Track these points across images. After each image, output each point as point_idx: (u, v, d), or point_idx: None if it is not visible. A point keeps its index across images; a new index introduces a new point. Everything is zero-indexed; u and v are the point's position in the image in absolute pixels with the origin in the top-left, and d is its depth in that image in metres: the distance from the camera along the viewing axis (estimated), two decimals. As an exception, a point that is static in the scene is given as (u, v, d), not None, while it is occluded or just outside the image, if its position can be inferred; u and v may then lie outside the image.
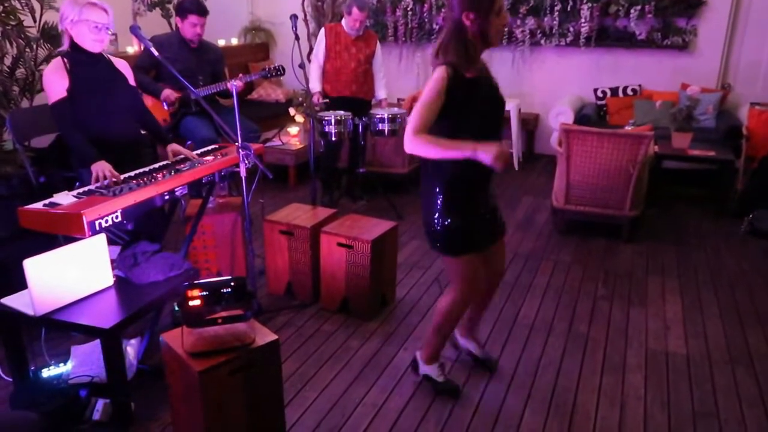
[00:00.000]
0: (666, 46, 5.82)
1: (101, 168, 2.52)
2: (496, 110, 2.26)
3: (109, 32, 2.73)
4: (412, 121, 2.06)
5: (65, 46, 2.71)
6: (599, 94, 6.07)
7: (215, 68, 4.11)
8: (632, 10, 5.71)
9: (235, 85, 3.08)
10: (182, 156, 2.91)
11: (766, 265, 3.85)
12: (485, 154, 1.97)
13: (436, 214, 2.23)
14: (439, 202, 2.22)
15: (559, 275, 3.69)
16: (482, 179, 2.25)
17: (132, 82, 2.96)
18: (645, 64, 6.02)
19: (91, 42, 2.68)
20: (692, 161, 4.76)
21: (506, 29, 2.05)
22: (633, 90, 5.99)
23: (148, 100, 3.93)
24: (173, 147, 2.94)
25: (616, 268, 3.79)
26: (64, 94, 2.66)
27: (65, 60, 2.69)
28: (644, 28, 5.83)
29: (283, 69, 3.93)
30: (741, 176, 4.87)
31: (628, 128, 4.74)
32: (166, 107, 3.96)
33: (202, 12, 3.89)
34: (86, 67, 2.72)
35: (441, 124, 2.08)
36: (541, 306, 3.31)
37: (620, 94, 6.01)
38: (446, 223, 2.22)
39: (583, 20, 5.90)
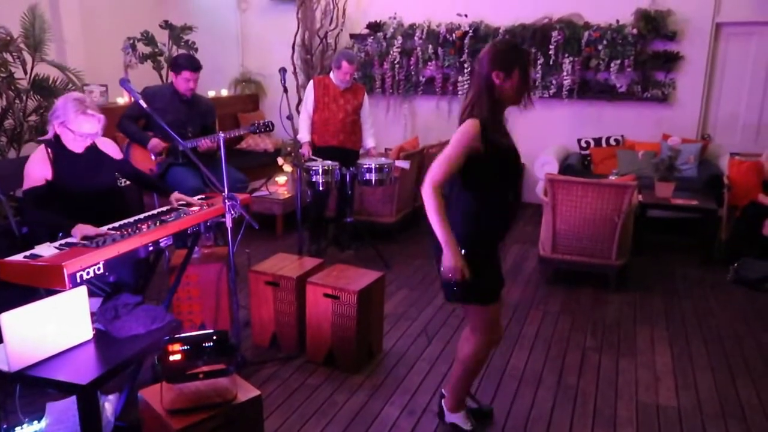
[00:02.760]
0: (646, 99, 5.99)
1: (82, 231, 2.47)
2: (515, 168, 2.31)
3: (98, 137, 2.76)
4: (434, 172, 2.13)
5: (49, 136, 2.73)
6: (583, 144, 6.19)
7: (205, 121, 4.15)
8: (612, 64, 5.90)
9: (221, 138, 3.11)
10: (183, 202, 2.97)
11: (752, 313, 3.86)
12: (449, 258, 2.12)
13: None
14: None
15: (548, 325, 3.66)
16: (500, 225, 2.31)
17: (118, 156, 2.98)
18: (626, 116, 6.17)
19: (74, 146, 2.71)
20: (676, 210, 4.82)
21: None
22: (616, 140, 6.12)
23: (137, 150, 3.95)
24: (176, 195, 3.00)
25: (604, 318, 3.77)
26: (41, 182, 2.67)
27: (49, 150, 2.70)
28: (624, 81, 6.00)
29: (272, 125, 3.97)
30: (724, 225, 4.94)
31: (612, 178, 4.82)
32: (153, 157, 3.97)
33: (196, 68, 3.97)
34: (70, 159, 2.73)
35: (461, 173, 2.16)
36: (530, 357, 3.27)
37: (603, 144, 6.13)
38: (470, 268, 2.21)
39: (565, 73, 6.08)
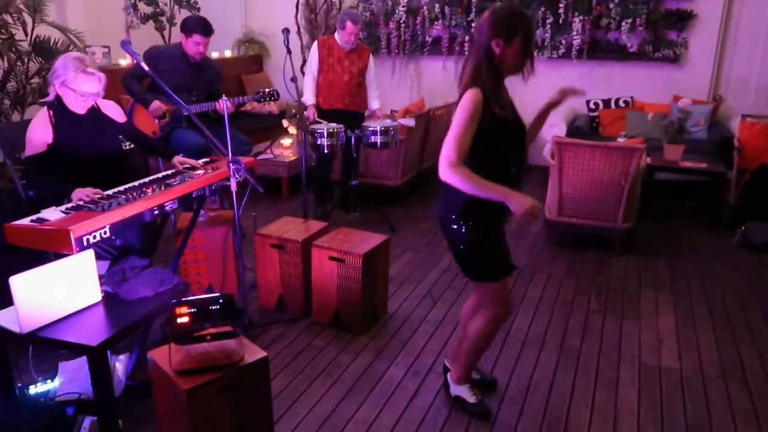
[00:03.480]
0: (657, 59, 5.87)
1: (81, 194, 2.47)
2: (518, 141, 2.23)
3: (99, 97, 2.71)
4: (447, 152, 2.02)
5: (51, 97, 2.69)
6: (591, 105, 6.10)
7: (211, 85, 4.09)
8: (623, 23, 5.76)
9: (226, 103, 3.08)
10: (187, 165, 2.94)
11: (758, 278, 3.86)
12: (516, 205, 1.99)
13: (464, 231, 2.19)
14: (462, 225, 2.19)
15: (552, 288, 3.68)
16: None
17: (121, 119, 2.94)
18: (637, 77, 6.06)
19: (76, 106, 2.67)
20: (685, 173, 4.78)
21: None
22: (625, 102, 6.02)
23: (140, 112, 3.92)
24: (178, 159, 2.97)
25: (609, 281, 3.78)
26: (43, 148, 2.65)
27: (51, 113, 2.67)
28: (636, 41, 5.87)
29: (278, 94, 3.91)
30: (733, 188, 4.89)
31: (620, 140, 4.76)
32: (156, 120, 3.95)
33: (207, 32, 3.87)
34: (71, 121, 2.70)
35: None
36: (534, 319, 3.30)
37: (612, 106, 6.04)
38: (476, 243, 2.19)
39: (574, 33, 5.95)
